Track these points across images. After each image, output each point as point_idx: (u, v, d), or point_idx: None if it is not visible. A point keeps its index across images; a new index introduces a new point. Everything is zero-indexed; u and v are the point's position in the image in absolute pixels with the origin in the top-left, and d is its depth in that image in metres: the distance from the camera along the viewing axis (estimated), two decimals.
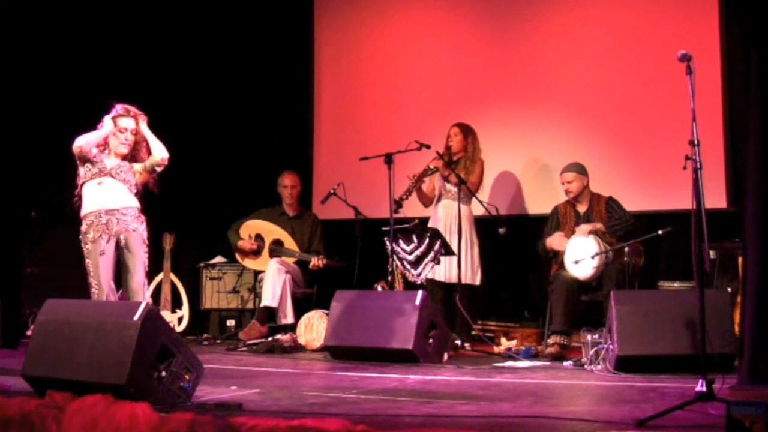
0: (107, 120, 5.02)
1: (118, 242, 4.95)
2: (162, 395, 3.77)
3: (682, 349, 4.70)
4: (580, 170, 6.14)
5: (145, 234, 5.04)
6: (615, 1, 7.07)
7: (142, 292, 4.94)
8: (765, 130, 3.72)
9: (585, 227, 5.89)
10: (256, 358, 5.90)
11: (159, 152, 5.09)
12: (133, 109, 5.10)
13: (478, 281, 6.51)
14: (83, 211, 5.00)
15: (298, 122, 8.25)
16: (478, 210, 6.59)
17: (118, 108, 5.07)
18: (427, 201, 6.77)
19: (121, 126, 5.02)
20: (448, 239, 6.23)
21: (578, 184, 6.11)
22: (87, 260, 4.89)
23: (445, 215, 6.53)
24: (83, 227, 4.96)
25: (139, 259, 4.96)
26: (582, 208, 6.15)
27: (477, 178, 6.55)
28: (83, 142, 4.95)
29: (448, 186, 6.57)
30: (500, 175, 7.28)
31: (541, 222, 6.46)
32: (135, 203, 5.04)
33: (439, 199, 6.66)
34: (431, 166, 6.53)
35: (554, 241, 6.07)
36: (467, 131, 6.63)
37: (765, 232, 3.66)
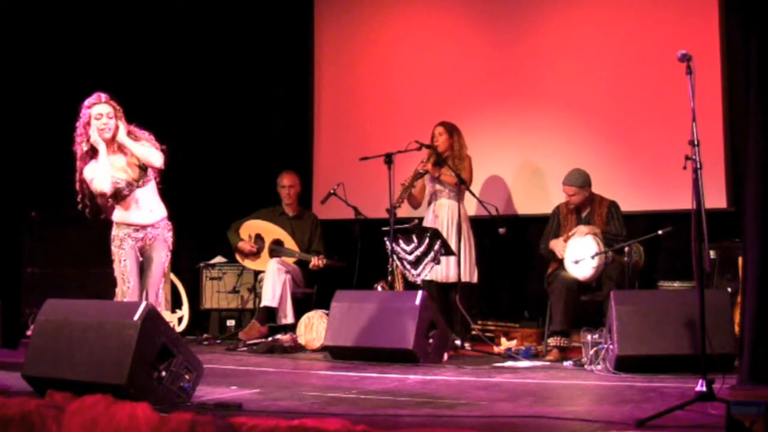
0: (89, 129, 4.80)
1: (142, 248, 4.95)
2: (162, 395, 3.77)
3: (682, 349, 4.70)
4: (583, 183, 6.00)
5: (170, 240, 5.03)
6: (615, 1, 7.07)
7: (154, 290, 4.90)
8: (765, 130, 3.72)
9: (583, 229, 5.88)
10: (256, 358, 5.90)
11: (152, 161, 4.88)
12: (105, 96, 4.88)
13: (475, 279, 6.51)
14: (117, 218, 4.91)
15: (298, 122, 8.25)
16: (471, 209, 6.58)
17: (91, 98, 4.92)
18: (416, 203, 6.76)
19: (95, 113, 4.82)
20: (446, 239, 6.22)
21: (579, 197, 6.05)
22: (123, 260, 4.84)
23: (441, 215, 6.52)
24: (119, 233, 4.87)
25: (158, 260, 4.96)
26: (584, 211, 6.13)
27: (468, 174, 6.55)
28: (104, 182, 4.74)
29: (439, 186, 6.56)
30: (500, 175, 7.27)
31: (541, 222, 6.46)
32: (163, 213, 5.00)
33: (432, 200, 6.66)
34: (420, 170, 6.53)
35: (557, 246, 6.03)
36: (452, 129, 6.62)
37: (765, 232, 3.66)
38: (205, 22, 8.15)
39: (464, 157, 6.58)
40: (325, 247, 7.19)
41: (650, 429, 3.19)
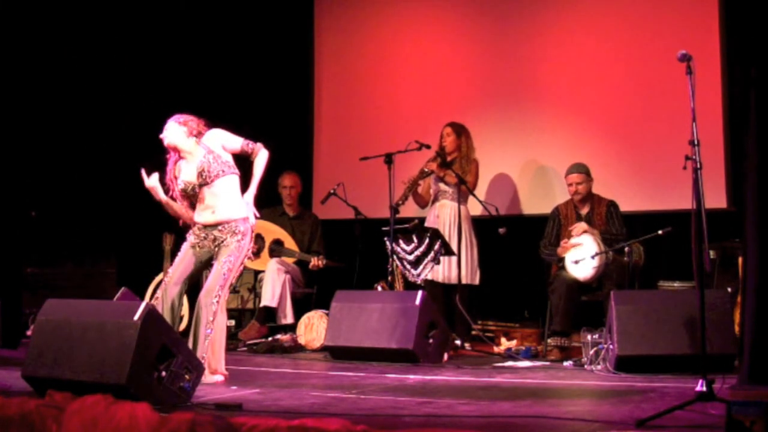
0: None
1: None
2: (162, 395, 3.77)
3: (682, 349, 4.70)
4: (588, 171, 6.11)
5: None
6: (616, 2, 7.07)
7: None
8: (765, 130, 3.72)
9: (582, 226, 5.89)
10: (256, 358, 5.90)
11: None
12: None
13: (477, 281, 6.51)
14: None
15: (298, 122, 8.25)
16: (475, 210, 6.59)
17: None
18: (422, 202, 6.77)
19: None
20: (447, 240, 6.22)
21: (586, 185, 6.07)
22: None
23: (442, 216, 6.52)
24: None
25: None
26: (584, 210, 6.13)
27: (474, 177, 6.55)
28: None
29: (444, 186, 6.56)
30: (500, 175, 7.28)
31: (541, 222, 6.45)
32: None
33: (435, 200, 6.66)
34: (425, 169, 6.52)
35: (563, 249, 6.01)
36: (460, 130, 6.63)
37: (765, 232, 3.66)
38: (205, 23, 8.14)
39: (471, 159, 6.58)
40: (325, 247, 7.19)
41: (650, 429, 3.19)
